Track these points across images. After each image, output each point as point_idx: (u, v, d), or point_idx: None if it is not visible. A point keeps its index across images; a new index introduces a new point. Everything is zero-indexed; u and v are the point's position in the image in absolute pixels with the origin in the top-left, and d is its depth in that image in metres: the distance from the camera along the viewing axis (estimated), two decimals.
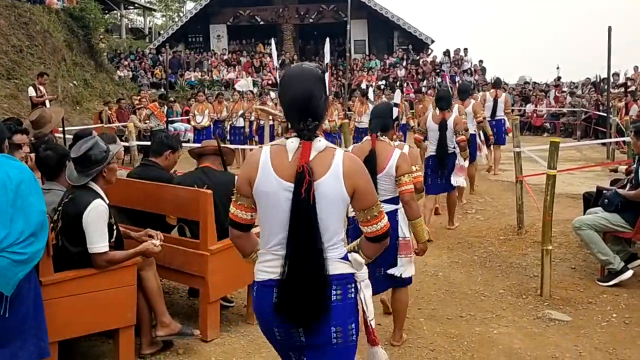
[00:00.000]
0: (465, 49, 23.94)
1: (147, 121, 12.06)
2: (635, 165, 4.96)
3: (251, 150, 12.98)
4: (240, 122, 12.70)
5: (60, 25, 18.20)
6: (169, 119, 12.41)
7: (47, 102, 11.80)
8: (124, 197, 4.07)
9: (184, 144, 5.13)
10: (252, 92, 14.82)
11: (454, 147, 6.38)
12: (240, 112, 12.63)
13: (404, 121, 11.28)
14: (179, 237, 4.10)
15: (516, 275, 5.15)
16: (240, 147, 11.04)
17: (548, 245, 4.60)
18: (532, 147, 7.51)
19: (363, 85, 19.66)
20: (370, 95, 11.96)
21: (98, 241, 3.19)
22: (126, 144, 7.50)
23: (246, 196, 2.10)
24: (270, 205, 2.03)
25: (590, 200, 5.39)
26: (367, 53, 25.75)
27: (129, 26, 33.17)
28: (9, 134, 3.31)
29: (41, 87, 12.03)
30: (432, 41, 25.88)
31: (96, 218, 3.18)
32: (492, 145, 9.56)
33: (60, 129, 6.87)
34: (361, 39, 25.97)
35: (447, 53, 24.20)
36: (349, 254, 2.11)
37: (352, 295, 2.08)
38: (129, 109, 14.44)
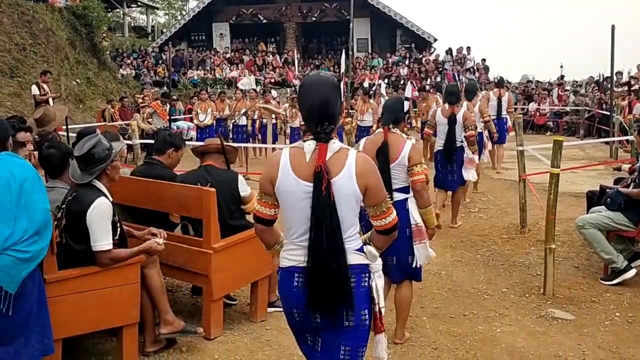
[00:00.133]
0: (468, 48, 23.86)
1: (149, 119, 12.06)
2: (638, 164, 4.95)
3: (254, 149, 13.06)
4: (243, 121, 12.69)
5: (63, 23, 18.23)
6: (172, 118, 12.42)
7: (50, 100, 11.81)
8: (128, 195, 4.08)
9: (187, 143, 5.14)
10: (255, 90, 14.81)
11: (462, 141, 6.45)
12: (243, 110, 12.62)
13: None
14: (182, 235, 4.11)
15: (519, 274, 5.15)
16: (242, 145, 11.04)
17: (551, 244, 4.60)
18: (535, 146, 7.50)
19: (366, 84, 19.67)
20: (383, 90, 11.99)
21: (102, 239, 3.20)
22: (129, 142, 7.50)
23: (269, 194, 2.31)
24: (291, 203, 2.24)
25: (594, 199, 5.38)
26: (369, 51, 25.70)
27: (132, 24, 33.20)
28: (12, 132, 3.32)
29: (44, 86, 12.05)
30: (435, 39, 25.85)
31: (100, 216, 3.19)
32: (495, 145, 9.58)
33: (64, 127, 6.88)
34: (364, 38, 25.93)
35: (449, 51, 24.15)
36: (364, 247, 2.31)
37: (366, 284, 2.27)
38: (132, 107, 14.46)
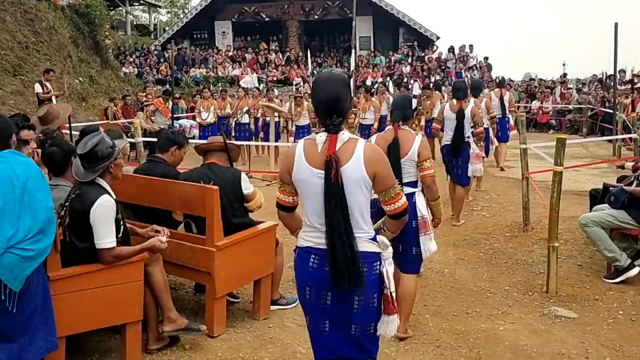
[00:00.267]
0: (471, 46, 23.79)
1: (152, 117, 12.06)
2: None
3: (257, 147, 13.06)
4: (246, 119, 12.68)
5: (66, 21, 18.26)
6: (175, 116, 12.42)
7: (53, 98, 11.84)
8: (131, 193, 4.08)
9: (189, 141, 5.14)
10: (257, 88, 14.80)
11: (468, 137, 6.59)
12: (246, 108, 12.61)
13: None
14: (186, 233, 4.11)
15: (522, 272, 5.14)
16: (245, 143, 11.04)
17: (554, 242, 4.60)
18: (538, 144, 7.49)
19: (368, 82, 19.65)
20: (391, 88, 12.00)
21: (105, 237, 3.20)
22: (132, 140, 7.51)
23: (287, 183, 2.52)
24: (306, 189, 2.44)
25: (597, 197, 5.37)
26: (372, 50, 25.67)
27: (134, 23, 33.21)
28: (16, 130, 3.31)
29: (47, 84, 12.08)
30: (438, 38, 25.81)
31: (103, 214, 3.19)
32: (498, 143, 9.65)
33: (67, 125, 6.89)
34: (366, 36, 25.90)
35: (451, 50, 24.09)
36: (377, 237, 2.47)
37: (377, 272, 2.42)
38: (135, 105, 14.47)
